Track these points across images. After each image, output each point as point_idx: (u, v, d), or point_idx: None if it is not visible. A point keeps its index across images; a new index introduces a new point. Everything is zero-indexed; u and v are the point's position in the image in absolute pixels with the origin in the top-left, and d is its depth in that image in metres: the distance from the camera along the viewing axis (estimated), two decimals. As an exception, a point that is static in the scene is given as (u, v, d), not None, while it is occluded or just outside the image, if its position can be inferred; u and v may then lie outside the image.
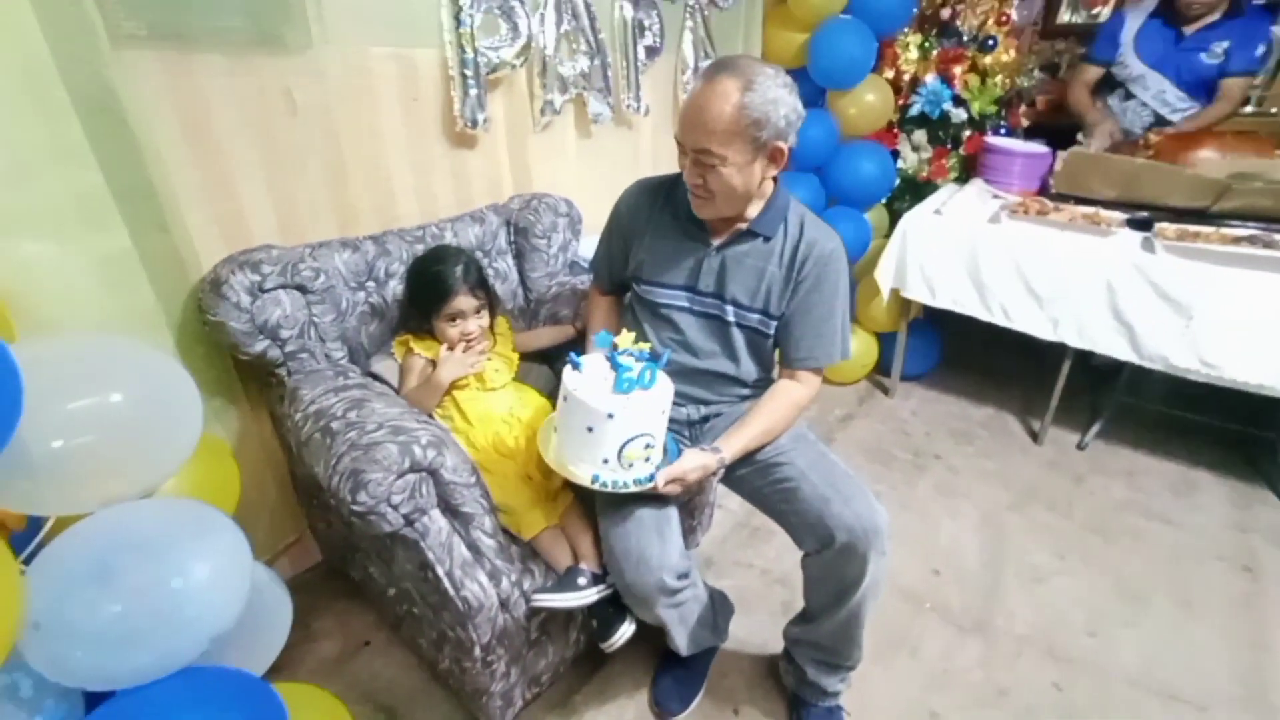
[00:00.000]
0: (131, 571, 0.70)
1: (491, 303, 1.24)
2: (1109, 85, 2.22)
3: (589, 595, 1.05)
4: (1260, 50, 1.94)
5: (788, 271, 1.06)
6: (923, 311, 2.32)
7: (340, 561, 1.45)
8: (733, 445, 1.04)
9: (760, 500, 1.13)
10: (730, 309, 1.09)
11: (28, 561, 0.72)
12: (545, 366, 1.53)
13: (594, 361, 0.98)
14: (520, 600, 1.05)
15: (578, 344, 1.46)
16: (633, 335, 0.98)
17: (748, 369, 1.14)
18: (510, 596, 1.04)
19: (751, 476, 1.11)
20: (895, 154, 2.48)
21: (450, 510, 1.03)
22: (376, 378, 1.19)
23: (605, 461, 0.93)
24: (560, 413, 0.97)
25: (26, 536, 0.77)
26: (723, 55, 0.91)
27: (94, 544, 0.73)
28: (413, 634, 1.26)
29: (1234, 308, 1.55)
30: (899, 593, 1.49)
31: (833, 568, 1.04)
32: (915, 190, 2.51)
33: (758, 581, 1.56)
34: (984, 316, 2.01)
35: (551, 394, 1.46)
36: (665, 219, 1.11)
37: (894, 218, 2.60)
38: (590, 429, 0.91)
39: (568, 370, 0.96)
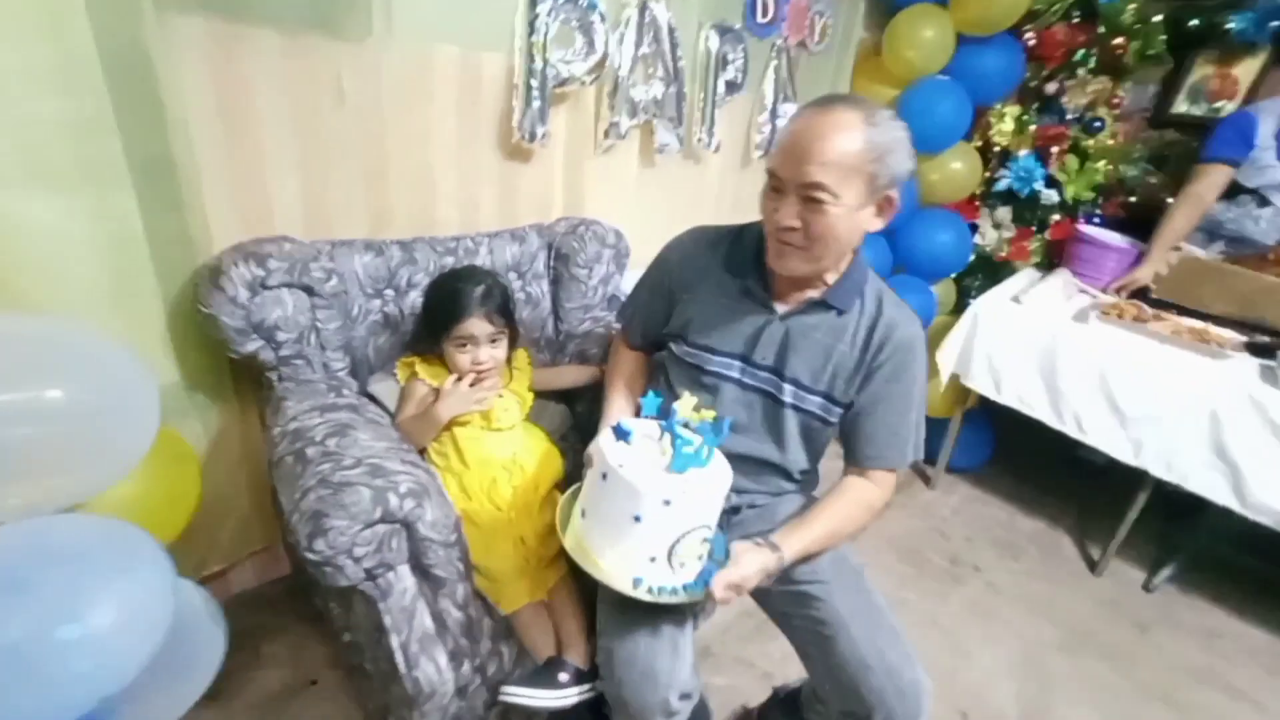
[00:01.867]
0: (13, 613, 0.58)
1: (512, 334, 1.11)
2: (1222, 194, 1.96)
3: (568, 696, 0.89)
4: None
5: (861, 354, 0.91)
6: (979, 401, 2.12)
7: (306, 583, 1.33)
8: (794, 545, 0.86)
9: (787, 628, 0.97)
10: (788, 388, 0.94)
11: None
12: (563, 405, 1.40)
13: (643, 431, 0.82)
14: (482, 688, 0.91)
15: (601, 389, 1.33)
16: (694, 400, 0.81)
17: (795, 458, 0.99)
18: (470, 684, 0.89)
19: (781, 599, 0.94)
20: (974, 228, 2.31)
21: (420, 569, 0.90)
22: (373, 399, 1.08)
23: (652, 560, 0.76)
24: (595, 493, 0.79)
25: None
26: (829, 94, 0.80)
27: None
28: (361, 689, 1.12)
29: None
30: (920, 734, 1.28)
31: None
32: (990, 269, 2.33)
33: (756, 685, 1.37)
34: (1052, 423, 1.80)
35: (565, 440, 1.33)
36: (724, 276, 0.97)
37: (961, 294, 2.43)
38: (638, 518, 0.73)
39: (608, 439, 0.78)
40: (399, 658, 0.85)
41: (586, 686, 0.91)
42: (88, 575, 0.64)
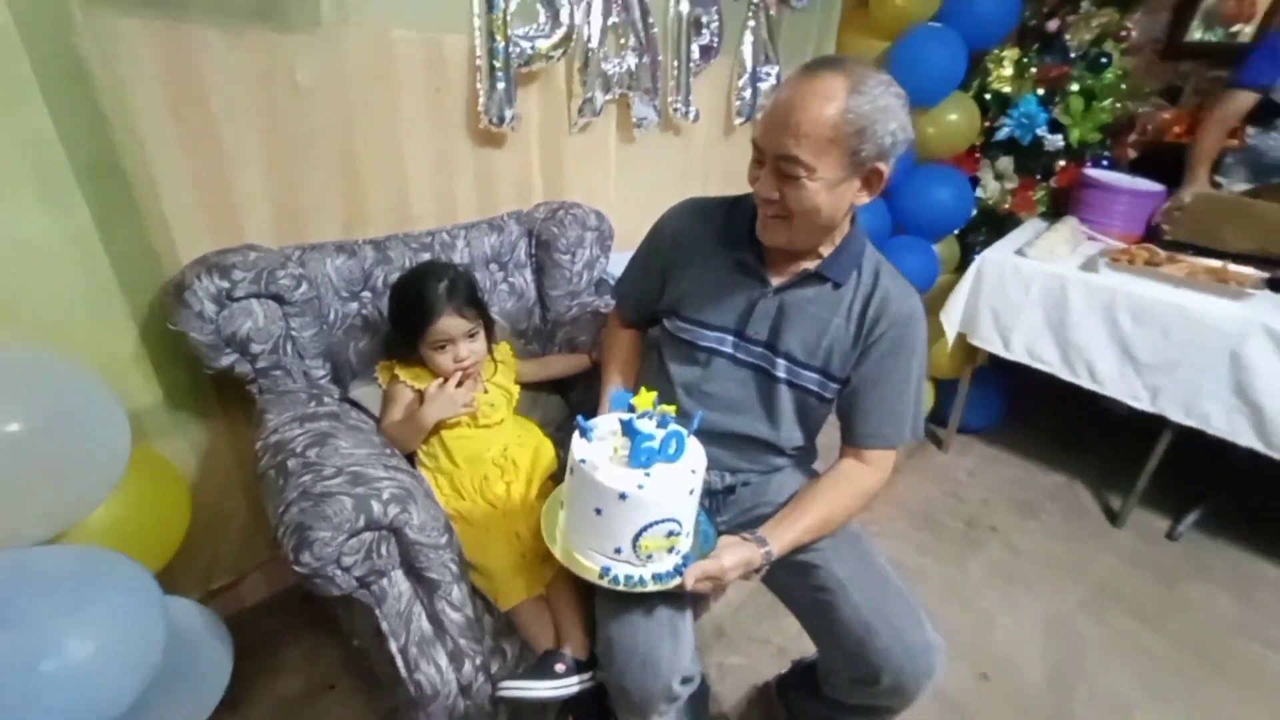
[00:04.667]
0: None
1: (486, 324, 1.08)
2: (1255, 117, 1.86)
3: (568, 685, 0.88)
4: None
5: (857, 328, 0.89)
6: (989, 359, 2.06)
7: (315, 589, 1.33)
8: (783, 537, 0.85)
9: (791, 603, 0.95)
10: (782, 363, 0.91)
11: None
12: (557, 396, 1.37)
13: (609, 426, 0.81)
14: (486, 685, 0.89)
15: (594, 377, 1.30)
16: (653, 395, 0.80)
17: (789, 435, 0.96)
18: (473, 682, 0.88)
19: (781, 573, 0.92)
20: (975, 181, 2.23)
21: (414, 572, 0.88)
22: (355, 404, 1.05)
23: (618, 551, 0.76)
24: (568, 486, 0.80)
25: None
26: (822, 56, 0.76)
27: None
28: (376, 691, 1.12)
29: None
30: (939, 702, 1.26)
31: (869, 697, 0.87)
32: (994, 223, 2.25)
33: (771, 662, 1.35)
34: (1064, 375, 1.76)
35: (561, 430, 1.31)
36: (717, 249, 0.94)
37: (966, 251, 2.36)
38: (599, 510, 0.74)
39: (576, 438, 0.78)
40: (399, 662, 0.84)
41: (586, 676, 0.89)
42: (66, 605, 0.62)
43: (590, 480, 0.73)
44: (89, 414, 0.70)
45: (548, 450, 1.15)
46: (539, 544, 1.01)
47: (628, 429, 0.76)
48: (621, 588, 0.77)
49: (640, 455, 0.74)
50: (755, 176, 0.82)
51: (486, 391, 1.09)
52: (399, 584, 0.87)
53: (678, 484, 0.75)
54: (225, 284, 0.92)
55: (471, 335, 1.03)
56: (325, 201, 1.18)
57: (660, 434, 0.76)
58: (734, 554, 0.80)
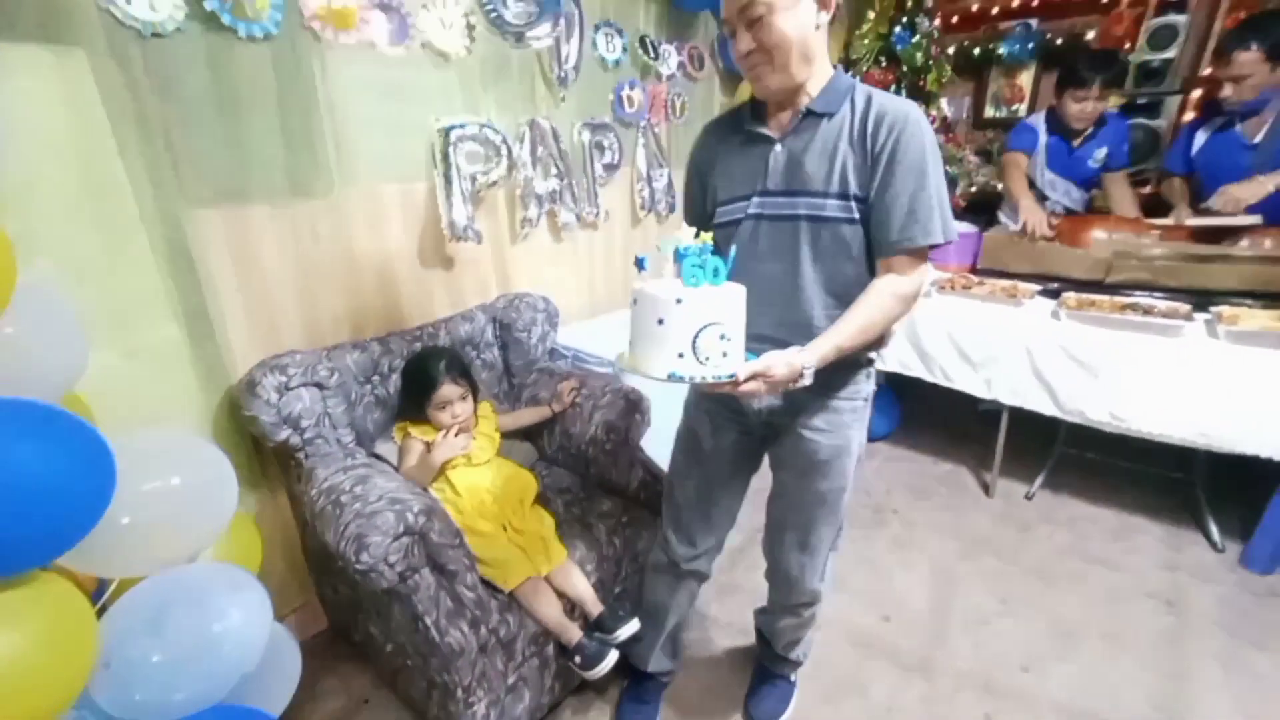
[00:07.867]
0: (182, 619, 0.90)
1: (474, 389, 1.47)
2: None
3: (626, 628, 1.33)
4: (1125, 147, 2.32)
5: (861, 145, 0.95)
6: (883, 378, 2.54)
7: (345, 626, 1.61)
8: (821, 345, 0.92)
9: (768, 518, 1.28)
10: (804, 201, 0.98)
11: (98, 615, 0.92)
12: (527, 443, 1.75)
13: (659, 261, 0.93)
14: (498, 648, 1.22)
15: (555, 423, 1.69)
16: (693, 230, 0.91)
17: (824, 297, 1.00)
18: (488, 642, 1.21)
19: (783, 455, 1.17)
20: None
21: (438, 568, 1.22)
22: (379, 458, 1.41)
23: (680, 356, 0.88)
24: (634, 320, 0.92)
25: (96, 595, 0.97)
26: None
27: (151, 599, 0.93)
28: (407, 688, 1.41)
29: (1129, 366, 1.77)
30: (851, 640, 1.63)
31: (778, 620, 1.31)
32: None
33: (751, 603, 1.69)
34: (928, 378, 2.23)
35: (533, 467, 1.68)
36: (731, 140, 1.07)
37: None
38: (661, 320, 0.87)
39: (636, 277, 0.93)
40: (433, 632, 1.16)
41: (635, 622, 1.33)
42: (222, 592, 0.95)
43: (651, 297, 0.87)
44: (216, 475, 1.04)
45: (529, 477, 1.52)
46: (538, 540, 1.37)
47: (677, 256, 0.88)
48: (686, 382, 0.88)
49: (689, 276, 0.87)
50: (735, 46, 0.94)
51: (475, 439, 1.46)
52: (427, 577, 1.20)
53: (723, 295, 0.88)
54: (284, 378, 1.29)
55: (464, 397, 1.42)
56: (338, 314, 1.58)
57: (704, 260, 0.87)
58: (776, 356, 0.89)
